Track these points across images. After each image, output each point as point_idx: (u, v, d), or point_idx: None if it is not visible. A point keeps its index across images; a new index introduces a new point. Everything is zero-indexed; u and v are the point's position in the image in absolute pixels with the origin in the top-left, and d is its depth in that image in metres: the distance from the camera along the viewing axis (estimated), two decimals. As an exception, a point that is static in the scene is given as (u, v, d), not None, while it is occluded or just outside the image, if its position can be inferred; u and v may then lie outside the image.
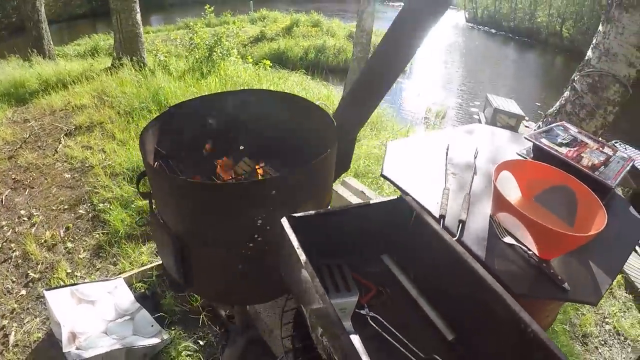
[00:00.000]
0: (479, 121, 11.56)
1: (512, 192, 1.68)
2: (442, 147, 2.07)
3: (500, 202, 1.50)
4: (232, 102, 2.10)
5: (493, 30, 24.32)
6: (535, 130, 3.84)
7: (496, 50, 21.17)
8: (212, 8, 9.32)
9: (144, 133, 1.68)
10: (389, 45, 1.91)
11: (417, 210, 1.35)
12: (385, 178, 1.79)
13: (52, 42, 10.05)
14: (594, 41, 3.32)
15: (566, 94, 3.39)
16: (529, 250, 1.42)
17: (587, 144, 2.10)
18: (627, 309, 4.22)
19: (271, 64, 8.63)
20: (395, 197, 1.41)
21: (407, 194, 1.64)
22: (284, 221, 1.17)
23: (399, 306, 1.31)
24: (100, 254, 3.10)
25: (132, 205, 3.52)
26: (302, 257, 1.05)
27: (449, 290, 1.26)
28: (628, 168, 1.97)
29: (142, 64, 7.47)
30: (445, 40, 20.31)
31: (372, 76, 2.05)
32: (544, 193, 1.70)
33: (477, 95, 13.25)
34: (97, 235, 3.26)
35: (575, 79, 3.32)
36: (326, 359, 0.94)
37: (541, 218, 1.36)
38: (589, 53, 3.31)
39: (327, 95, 7.46)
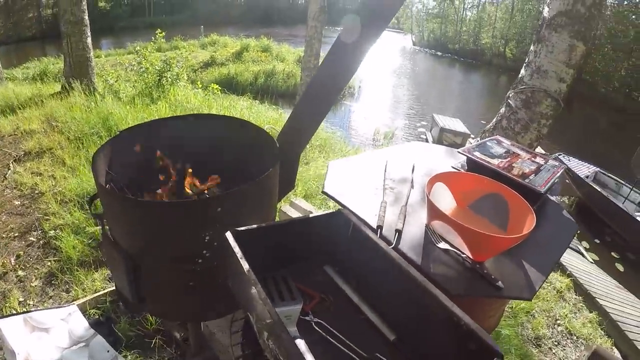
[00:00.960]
0: (426, 140, 11.97)
1: (447, 202, 1.79)
2: (381, 164, 2.18)
3: (433, 211, 1.61)
4: (180, 126, 2.16)
5: (439, 53, 25.18)
6: (469, 142, 4.05)
7: (442, 71, 21.92)
8: (163, 33, 9.31)
9: (96, 156, 1.72)
10: (329, 65, 2.02)
11: (354, 222, 1.44)
12: (326, 194, 1.88)
13: (0, 65, 9.77)
14: (526, 60, 3.54)
15: (502, 110, 3.60)
16: (463, 253, 1.53)
17: (519, 155, 2.26)
18: (578, 310, 4.46)
19: (221, 89, 8.71)
20: (334, 210, 1.50)
21: (346, 208, 1.72)
22: (229, 234, 1.23)
23: (342, 312, 1.37)
24: (53, 282, 3.04)
25: (84, 232, 3.48)
26: (245, 266, 1.12)
27: (389, 295, 1.34)
28: (558, 175, 2.12)
29: (92, 89, 7.39)
30: (393, 64, 20.92)
31: (313, 96, 2.15)
32: (478, 201, 1.81)
33: (424, 115, 13.74)
34: (49, 263, 3.21)
35: (510, 95, 3.54)
36: (273, 361, 1.00)
37: (475, 224, 1.48)
38: (522, 71, 3.53)
39: (276, 119, 7.57)
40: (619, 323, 4.55)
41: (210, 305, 1.85)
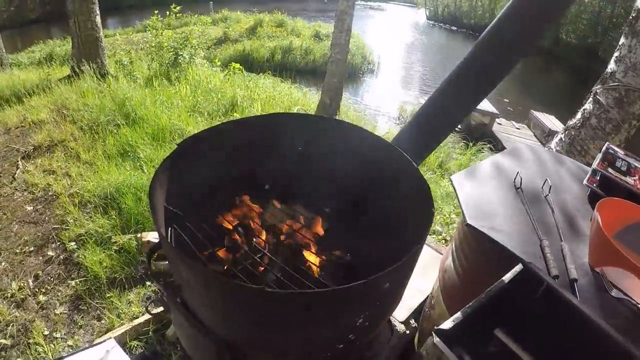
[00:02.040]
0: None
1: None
2: (505, 178, 1.78)
3: (611, 255, 1.26)
4: (261, 133, 1.73)
5: (454, 28, 24.56)
6: (556, 142, 3.63)
7: (458, 46, 21.32)
8: (178, 8, 8.75)
9: (153, 185, 1.28)
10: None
11: (548, 282, 1.13)
12: (474, 229, 1.44)
13: (4, 50, 9.22)
14: (616, 54, 3.12)
15: (588, 106, 3.20)
16: (637, 303, 1.21)
17: (639, 168, 1.85)
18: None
19: (241, 68, 8.22)
20: (519, 267, 1.17)
21: (509, 251, 1.34)
22: (438, 342, 0.91)
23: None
24: (81, 307, 2.61)
25: (110, 242, 3.02)
26: None
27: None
28: None
29: (104, 71, 6.93)
30: (407, 39, 20.27)
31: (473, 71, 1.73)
32: (623, 232, 1.46)
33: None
34: (73, 283, 2.76)
35: (599, 91, 3.13)
36: None
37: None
38: (612, 66, 3.12)
39: (302, 100, 7.12)
40: None
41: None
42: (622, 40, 3.12)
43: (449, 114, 2.32)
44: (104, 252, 2.93)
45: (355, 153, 1.73)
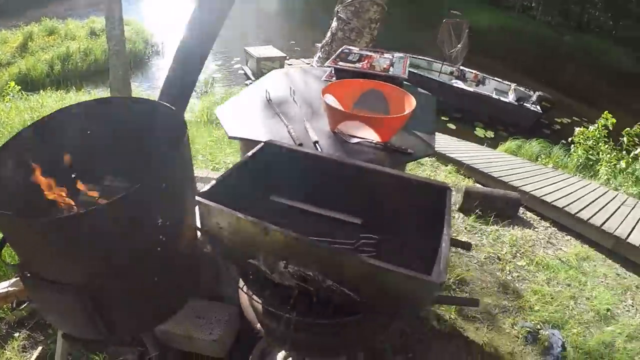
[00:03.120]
0: (245, 75, 12.25)
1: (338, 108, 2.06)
2: (261, 96, 2.31)
3: (337, 115, 1.89)
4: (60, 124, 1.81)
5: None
6: (315, 60, 4.43)
7: (241, 3, 21.69)
8: None
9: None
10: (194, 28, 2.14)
11: (286, 147, 1.61)
12: (234, 138, 1.95)
13: None
14: None
15: (334, 24, 3.94)
16: (372, 140, 1.87)
17: (371, 55, 2.64)
18: (436, 168, 5.29)
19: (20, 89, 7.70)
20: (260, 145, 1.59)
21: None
22: (201, 199, 1.26)
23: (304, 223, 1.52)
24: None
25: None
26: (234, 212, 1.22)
27: (338, 193, 1.56)
28: (408, 62, 2.56)
29: None
30: (189, 9, 19.85)
31: (187, 50, 2.26)
32: (359, 100, 2.12)
33: (236, 52, 13.72)
34: None
35: (339, 10, 3.90)
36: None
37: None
38: None
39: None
40: (472, 165, 5.55)
41: (187, 287, 1.83)
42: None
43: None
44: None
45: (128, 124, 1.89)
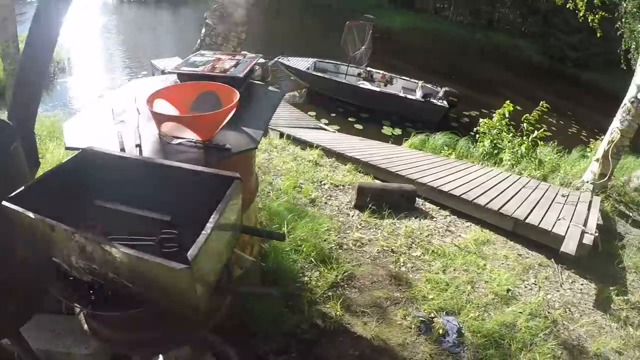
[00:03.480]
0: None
1: (172, 112, 2.04)
2: (108, 108, 2.26)
3: (157, 118, 1.89)
4: None
5: (143, -1, 24.40)
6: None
7: (149, 16, 21.38)
8: None
9: None
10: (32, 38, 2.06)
11: (103, 152, 1.62)
12: (70, 148, 1.88)
13: None
14: None
15: (203, 30, 3.94)
16: (193, 140, 1.88)
17: (220, 58, 2.63)
18: (335, 168, 5.33)
19: None
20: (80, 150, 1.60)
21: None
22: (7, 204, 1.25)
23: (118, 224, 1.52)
24: None
25: None
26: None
27: (148, 193, 1.56)
28: (255, 62, 2.54)
29: None
30: (96, 24, 19.34)
31: (27, 70, 2.17)
32: (195, 103, 2.11)
33: (144, 65, 13.55)
34: None
35: (207, 16, 3.88)
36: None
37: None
38: None
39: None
40: (369, 162, 5.63)
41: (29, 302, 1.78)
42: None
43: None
44: None
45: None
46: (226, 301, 1.63)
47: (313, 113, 11.29)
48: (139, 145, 1.85)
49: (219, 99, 2.07)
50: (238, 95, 1.92)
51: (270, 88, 2.62)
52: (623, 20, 10.22)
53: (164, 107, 2.02)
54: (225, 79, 2.25)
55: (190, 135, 1.89)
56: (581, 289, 3.99)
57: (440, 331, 2.99)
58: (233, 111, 1.92)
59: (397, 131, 11.03)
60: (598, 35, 9.86)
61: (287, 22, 21.15)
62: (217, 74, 2.31)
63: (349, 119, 11.32)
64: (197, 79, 2.29)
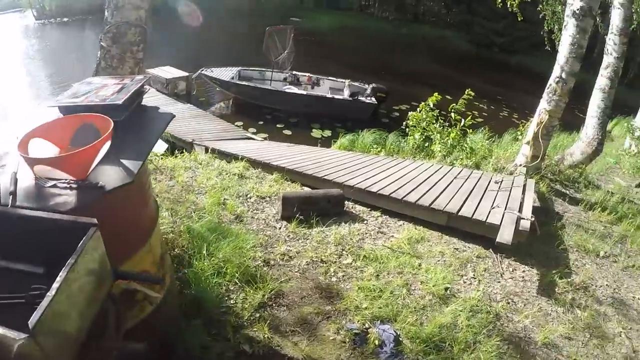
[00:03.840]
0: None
1: (51, 151, 1.89)
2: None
3: (29, 162, 1.74)
4: None
5: (66, 19, 23.35)
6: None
7: (74, 37, 20.55)
8: None
9: None
10: None
11: None
12: None
13: None
14: (106, 4, 3.62)
15: (98, 54, 3.72)
16: (67, 180, 1.73)
17: (106, 84, 2.47)
18: (262, 179, 5.25)
19: None
20: None
21: None
22: None
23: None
24: None
25: None
26: None
27: (16, 244, 1.49)
28: (141, 84, 2.39)
29: None
30: (15, 50, 18.31)
31: None
32: (75, 137, 1.97)
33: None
34: None
35: (101, 38, 3.65)
36: None
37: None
38: (105, 13, 3.61)
39: None
40: (297, 169, 5.55)
41: None
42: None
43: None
44: None
45: None
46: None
47: (240, 123, 11.09)
48: (12, 193, 1.69)
49: (97, 131, 1.94)
50: (112, 126, 1.81)
51: (163, 110, 2.49)
52: (544, 3, 10.70)
53: (42, 146, 1.88)
54: (103, 108, 2.10)
55: (62, 175, 1.75)
56: (523, 277, 3.96)
57: (377, 342, 2.86)
58: (107, 144, 1.81)
59: (327, 133, 11.03)
60: (519, 19, 10.26)
61: (213, 30, 20.79)
62: (94, 103, 2.16)
63: (278, 125, 11.24)
64: (75, 111, 2.14)
